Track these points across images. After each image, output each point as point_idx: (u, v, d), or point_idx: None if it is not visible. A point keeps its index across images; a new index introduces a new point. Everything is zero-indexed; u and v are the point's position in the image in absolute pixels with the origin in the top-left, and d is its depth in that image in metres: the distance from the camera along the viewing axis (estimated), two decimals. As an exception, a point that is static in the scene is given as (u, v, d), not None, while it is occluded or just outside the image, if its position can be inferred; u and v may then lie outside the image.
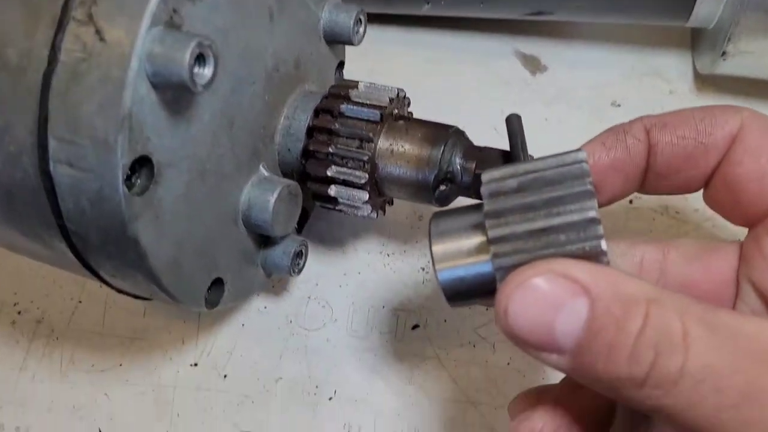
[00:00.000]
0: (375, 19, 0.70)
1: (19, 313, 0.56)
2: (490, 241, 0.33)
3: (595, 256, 0.31)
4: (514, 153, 0.41)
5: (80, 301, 0.56)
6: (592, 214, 0.31)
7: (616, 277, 0.30)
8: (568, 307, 0.30)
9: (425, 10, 0.65)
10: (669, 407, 0.29)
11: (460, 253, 0.36)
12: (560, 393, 0.37)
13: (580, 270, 0.30)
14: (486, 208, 0.33)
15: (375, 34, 0.69)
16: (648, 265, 0.41)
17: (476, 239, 0.35)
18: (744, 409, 0.28)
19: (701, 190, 0.41)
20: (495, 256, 0.32)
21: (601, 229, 0.31)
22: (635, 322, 0.29)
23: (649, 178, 0.40)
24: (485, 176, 0.34)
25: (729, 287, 0.40)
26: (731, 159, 0.37)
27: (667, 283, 0.41)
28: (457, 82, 0.67)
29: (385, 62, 0.68)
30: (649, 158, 0.39)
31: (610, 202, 0.41)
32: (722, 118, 0.38)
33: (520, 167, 0.34)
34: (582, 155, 0.33)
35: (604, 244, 0.31)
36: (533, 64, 0.68)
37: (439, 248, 0.36)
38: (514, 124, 0.42)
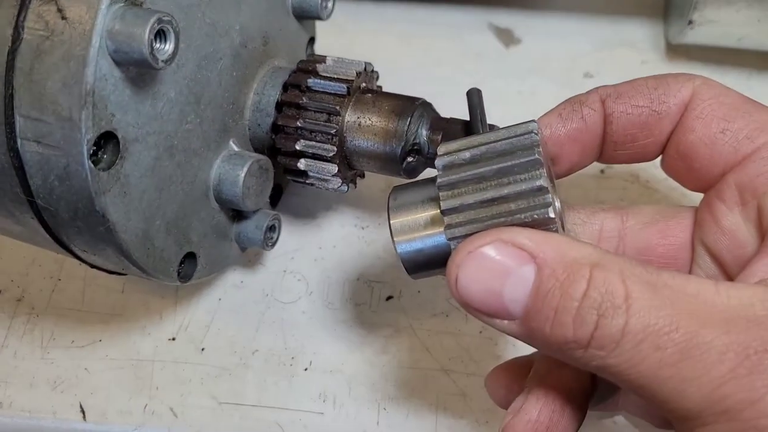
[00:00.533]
0: (349, -6, 0.70)
1: (-1, 292, 0.57)
2: (443, 212, 0.33)
3: (543, 224, 0.32)
4: (474, 126, 0.42)
5: (59, 279, 0.57)
6: (540, 182, 0.32)
7: (562, 243, 0.31)
8: (516, 274, 0.31)
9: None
10: (613, 367, 0.30)
11: (417, 225, 0.37)
12: (545, 374, 0.38)
13: (527, 237, 0.31)
14: (439, 180, 0.34)
15: (350, 10, 0.70)
16: (607, 232, 0.42)
17: (432, 211, 0.36)
18: (683, 366, 0.28)
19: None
20: (448, 226, 0.33)
21: (549, 198, 0.32)
22: (579, 286, 0.30)
23: (607, 148, 0.41)
24: (441, 149, 0.35)
25: (685, 251, 0.41)
26: (684, 126, 0.38)
27: (625, 249, 0.42)
28: (431, 56, 0.68)
29: (361, 37, 0.68)
30: (606, 128, 0.40)
31: (569, 172, 0.42)
32: (675, 86, 0.38)
33: (474, 139, 0.35)
34: (532, 126, 0.34)
35: (551, 212, 0.32)
36: (507, 37, 0.69)
37: (397, 221, 0.37)
38: (474, 98, 0.43)
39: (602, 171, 0.60)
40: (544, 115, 0.41)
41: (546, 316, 0.30)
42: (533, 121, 0.35)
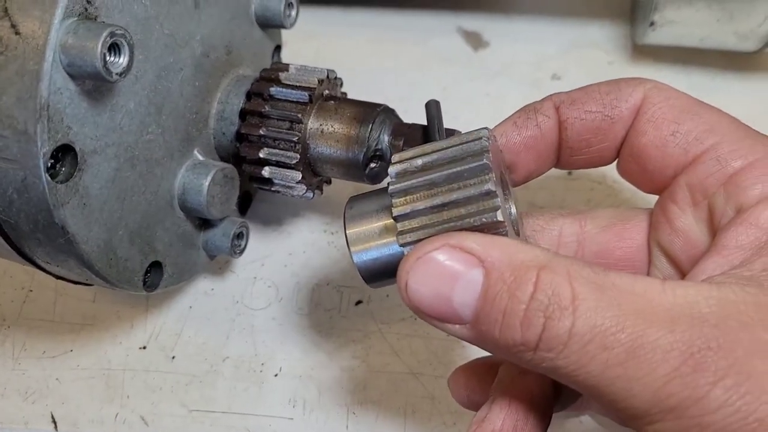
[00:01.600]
0: (317, 0, 0.71)
1: (-29, 304, 0.57)
2: (395, 219, 0.34)
3: (492, 227, 0.32)
4: (432, 138, 0.42)
5: (31, 290, 0.57)
6: (487, 186, 0.32)
7: (510, 246, 0.31)
8: (464, 278, 0.31)
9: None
10: (562, 368, 0.30)
11: (372, 234, 0.37)
12: (508, 383, 0.38)
13: (474, 241, 0.31)
14: (391, 187, 0.34)
15: (318, 15, 0.70)
16: (566, 237, 0.43)
17: (387, 220, 0.36)
18: (629, 366, 0.29)
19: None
20: (400, 233, 0.34)
21: (497, 201, 0.32)
22: (526, 289, 0.30)
23: (564, 154, 0.41)
24: (395, 157, 0.36)
25: (642, 253, 0.41)
26: (636, 129, 0.39)
27: (584, 253, 0.42)
28: (400, 61, 0.68)
29: (329, 43, 0.69)
30: (561, 134, 0.40)
31: (526, 179, 0.42)
32: (627, 91, 0.39)
33: (428, 147, 0.35)
34: (483, 133, 0.34)
35: (499, 215, 0.32)
36: (475, 40, 0.69)
37: (352, 231, 0.37)
38: (431, 110, 0.43)
39: (569, 173, 0.60)
40: (499, 123, 0.41)
41: (495, 319, 0.31)
42: (485, 128, 0.35)
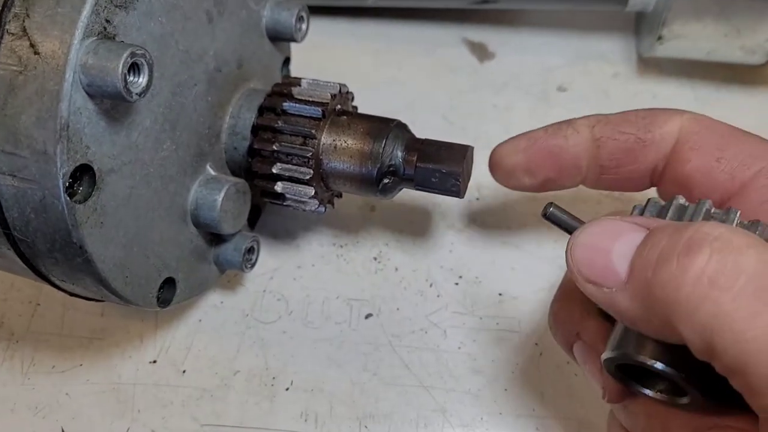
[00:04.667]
0: (323, 11, 0.71)
1: (-22, 317, 0.56)
2: None
3: None
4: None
5: (39, 304, 0.57)
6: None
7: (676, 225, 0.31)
8: (628, 236, 0.31)
9: (371, 2, 0.67)
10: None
11: None
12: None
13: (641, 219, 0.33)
14: None
15: (324, 27, 0.70)
16: None
17: None
18: None
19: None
20: None
21: None
22: (701, 257, 0.28)
23: (594, 171, 0.43)
24: None
25: None
26: (680, 157, 0.40)
27: None
28: (406, 73, 0.69)
29: (336, 55, 0.69)
30: (594, 151, 0.41)
31: (543, 185, 0.44)
32: (662, 118, 0.41)
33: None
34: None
35: None
36: (481, 52, 0.70)
37: None
38: (556, 217, 0.40)
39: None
40: (532, 130, 0.44)
41: (649, 261, 0.30)
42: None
